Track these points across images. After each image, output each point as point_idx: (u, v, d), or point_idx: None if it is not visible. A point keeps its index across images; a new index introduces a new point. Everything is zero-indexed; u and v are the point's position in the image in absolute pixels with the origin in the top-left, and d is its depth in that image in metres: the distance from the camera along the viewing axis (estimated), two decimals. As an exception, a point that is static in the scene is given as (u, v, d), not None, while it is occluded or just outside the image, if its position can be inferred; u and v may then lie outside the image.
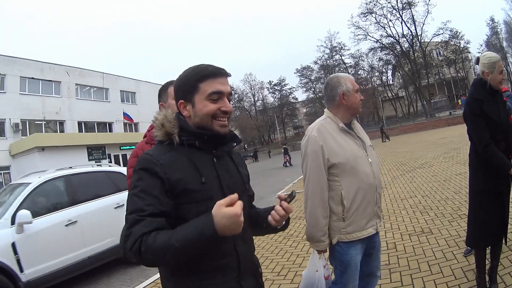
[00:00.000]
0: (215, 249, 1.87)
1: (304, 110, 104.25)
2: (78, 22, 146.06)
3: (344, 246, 3.16)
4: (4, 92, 38.14)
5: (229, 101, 2.08)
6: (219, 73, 2.03)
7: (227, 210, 1.67)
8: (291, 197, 2.07)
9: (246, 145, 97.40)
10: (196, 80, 2.01)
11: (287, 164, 36.83)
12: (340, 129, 3.25)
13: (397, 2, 76.80)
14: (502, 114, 3.97)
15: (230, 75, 2.10)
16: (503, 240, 4.21)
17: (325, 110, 3.46)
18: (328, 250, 3.27)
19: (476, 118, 4.00)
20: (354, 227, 3.13)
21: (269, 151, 73.28)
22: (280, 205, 2.07)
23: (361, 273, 3.33)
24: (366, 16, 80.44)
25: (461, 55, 76.93)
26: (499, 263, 4.58)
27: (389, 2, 77.43)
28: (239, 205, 1.70)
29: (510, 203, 4.13)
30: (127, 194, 1.95)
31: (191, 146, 2.00)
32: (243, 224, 1.72)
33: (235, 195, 1.72)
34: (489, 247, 4.28)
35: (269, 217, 2.10)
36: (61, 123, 44.12)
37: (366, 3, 79.41)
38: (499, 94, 4.05)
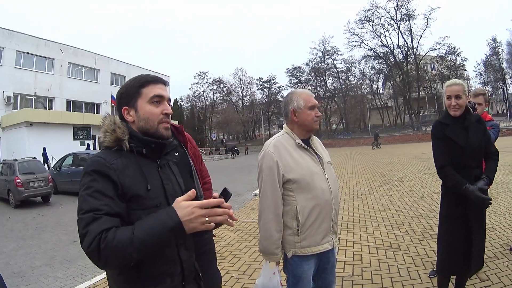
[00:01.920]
0: (160, 256, 1.95)
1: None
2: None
3: (298, 260, 3.21)
4: (1, 65, 38.25)
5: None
6: (158, 80, 2.18)
7: (184, 203, 1.77)
8: (226, 196, 2.04)
9: (224, 140, 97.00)
10: (138, 86, 2.14)
11: None
12: (297, 145, 3.29)
13: (396, 13, 76.41)
14: (473, 139, 3.99)
15: (168, 84, 2.27)
16: (469, 269, 4.19)
17: (284, 125, 3.51)
18: (281, 261, 3.33)
19: (436, 141, 4.16)
20: (309, 242, 3.17)
21: (246, 147, 72.22)
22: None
23: (316, 286, 3.44)
24: (363, 23, 79.88)
25: (456, 72, 76.05)
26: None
27: (388, 12, 76.97)
28: (193, 203, 1.78)
29: (482, 230, 4.11)
30: (79, 195, 1.92)
31: (138, 153, 2.08)
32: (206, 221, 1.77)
33: (193, 191, 1.82)
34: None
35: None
36: (51, 100, 44.00)
37: (365, 11, 79.02)
38: (470, 121, 4.07)
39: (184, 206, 1.76)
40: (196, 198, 2.37)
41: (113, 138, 2.06)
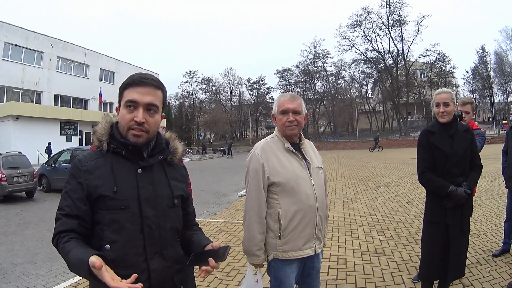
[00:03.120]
0: (122, 260, 1.93)
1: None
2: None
3: (280, 263, 3.19)
4: (-13, 56, 37.81)
5: (154, 112, 2.12)
6: (141, 82, 2.08)
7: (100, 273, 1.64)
8: (223, 256, 1.99)
9: (212, 139, 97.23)
10: (122, 87, 2.13)
11: None
12: (285, 148, 3.27)
13: (388, 18, 76.83)
14: (457, 147, 4.06)
15: (156, 85, 2.13)
16: (450, 275, 4.21)
17: (275, 129, 3.50)
18: (264, 264, 3.30)
19: (420, 148, 4.29)
20: (291, 246, 3.15)
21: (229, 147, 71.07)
22: (209, 263, 1.99)
23: None
24: (354, 27, 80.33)
25: (445, 79, 77.08)
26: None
27: (380, 18, 77.42)
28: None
29: (462, 238, 4.14)
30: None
31: (117, 154, 2.09)
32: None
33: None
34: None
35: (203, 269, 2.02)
36: (39, 94, 43.70)
37: (357, 15, 79.51)
38: (457, 129, 4.15)
39: (98, 273, 1.65)
40: (183, 199, 2.34)
41: (94, 138, 2.16)
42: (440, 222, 4.08)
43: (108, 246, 1.94)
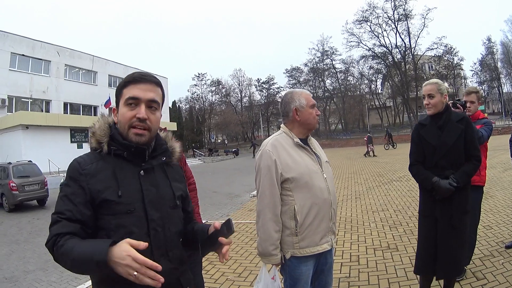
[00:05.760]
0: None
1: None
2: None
3: (296, 261, 3.15)
4: (-5, 67, 38.00)
5: (156, 109, 2.10)
6: (141, 79, 2.05)
7: (125, 246, 1.67)
8: (229, 230, 1.97)
9: (226, 140, 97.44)
10: (121, 86, 2.07)
11: (372, 154, 36.18)
12: (295, 144, 3.27)
13: (393, 13, 76.32)
14: (446, 138, 4.01)
15: (157, 82, 2.12)
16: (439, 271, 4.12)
17: (281, 125, 3.48)
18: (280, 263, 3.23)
19: (411, 142, 4.41)
20: (308, 242, 3.12)
21: (235, 151, 71.29)
22: (219, 240, 1.99)
23: (312, 287, 3.35)
24: (361, 23, 79.69)
25: (453, 71, 76.73)
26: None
27: (385, 12, 76.89)
28: (132, 251, 1.65)
29: (455, 234, 4.01)
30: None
31: (119, 156, 2.03)
32: (138, 267, 1.64)
33: (145, 244, 1.70)
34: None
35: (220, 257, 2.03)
36: (47, 102, 43.80)
37: (362, 11, 78.85)
38: (446, 120, 4.10)
39: (123, 248, 1.67)
40: (183, 199, 2.27)
41: (94, 140, 2.07)
42: (431, 216, 4.10)
43: None
